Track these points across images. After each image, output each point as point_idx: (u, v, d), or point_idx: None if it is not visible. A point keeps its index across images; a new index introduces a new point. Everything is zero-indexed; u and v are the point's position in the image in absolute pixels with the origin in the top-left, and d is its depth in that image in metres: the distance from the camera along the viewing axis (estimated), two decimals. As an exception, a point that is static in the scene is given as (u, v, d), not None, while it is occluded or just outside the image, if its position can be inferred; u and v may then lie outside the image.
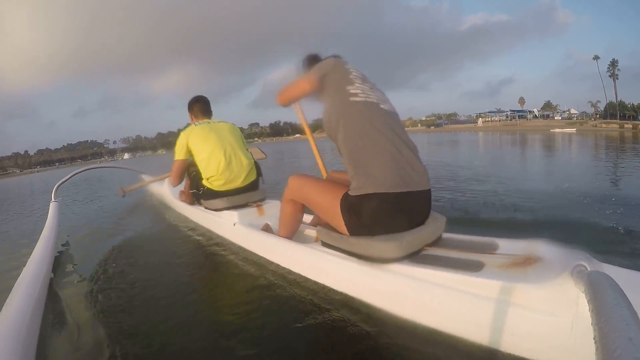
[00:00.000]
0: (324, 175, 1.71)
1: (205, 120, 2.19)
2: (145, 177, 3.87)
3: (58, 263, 1.87)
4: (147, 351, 0.99)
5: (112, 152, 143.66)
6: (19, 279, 1.29)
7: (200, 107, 2.24)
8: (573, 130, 20.10)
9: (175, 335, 1.06)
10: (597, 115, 45.28)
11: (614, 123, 27.40)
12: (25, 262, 1.50)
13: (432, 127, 62.88)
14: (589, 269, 0.70)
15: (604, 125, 26.70)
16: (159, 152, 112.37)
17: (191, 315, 1.18)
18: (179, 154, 2.09)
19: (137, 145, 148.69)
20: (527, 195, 2.61)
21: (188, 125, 2.18)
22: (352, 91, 1.12)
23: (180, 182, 2.26)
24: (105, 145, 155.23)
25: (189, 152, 2.08)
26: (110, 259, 1.87)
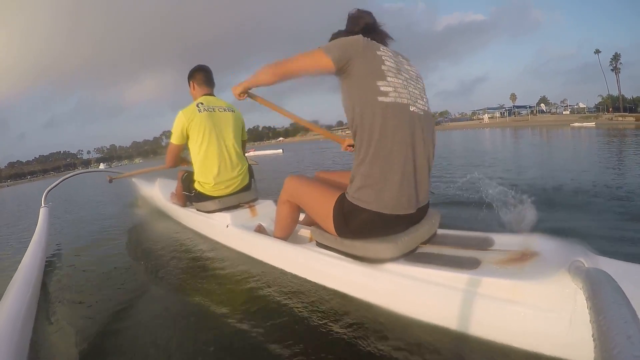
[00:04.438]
0: (342, 144, 1.61)
1: (209, 97, 2.02)
2: (135, 180, 3.80)
3: (49, 268, 1.84)
4: (138, 354, 0.98)
5: (86, 163, 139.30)
6: (10, 284, 1.28)
7: (203, 76, 2.04)
8: (592, 124, 19.56)
9: (167, 338, 1.04)
10: (610, 109, 42.64)
11: (630, 116, 26.92)
12: (16, 267, 1.49)
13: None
14: (586, 265, 0.70)
15: (619, 118, 26.17)
16: (136, 160, 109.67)
17: (184, 318, 1.16)
18: (175, 138, 1.93)
19: (112, 155, 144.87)
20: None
21: (188, 106, 1.93)
22: (382, 88, 0.94)
23: (174, 165, 2.14)
24: (78, 156, 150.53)
25: (186, 138, 1.94)
26: (102, 264, 1.84)
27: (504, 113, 51.73)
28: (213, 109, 1.97)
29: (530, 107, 51.26)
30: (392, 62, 1.00)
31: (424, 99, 1.08)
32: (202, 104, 1.94)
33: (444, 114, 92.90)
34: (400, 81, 0.99)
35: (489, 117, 47.86)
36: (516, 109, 51.21)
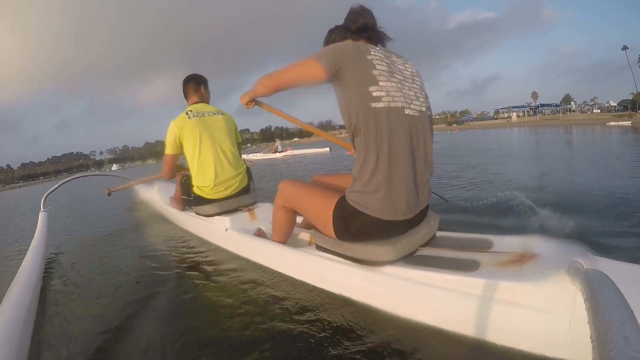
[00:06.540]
0: (349, 149, 1.56)
1: (197, 105, 2.06)
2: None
3: (48, 272, 1.85)
4: (136, 358, 0.98)
5: (99, 164, 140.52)
6: (9, 288, 1.29)
7: (193, 85, 2.10)
8: (628, 123, 18.55)
9: (166, 341, 1.04)
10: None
11: (665, 115, 25.41)
12: (16, 271, 1.49)
13: (455, 125, 53.27)
14: (585, 266, 0.70)
15: (654, 117, 24.67)
16: (149, 161, 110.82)
17: (183, 321, 1.16)
18: (169, 148, 1.97)
19: (125, 156, 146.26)
20: None
21: (180, 114, 1.99)
22: (374, 94, 0.93)
23: (171, 176, 2.17)
24: (91, 157, 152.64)
25: (180, 147, 1.98)
26: (101, 268, 1.85)
27: (528, 111, 49.87)
28: (202, 114, 2.01)
29: (556, 105, 48.94)
30: (384, 65, 0.98)
31: (420, 99, 1.05)
32: (190, 111, 1.99)
33: (464, 112, 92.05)
34: (394, 84, 0.97)
35: (517, 116, 45.71)
36: (542, 107, 48.77)
